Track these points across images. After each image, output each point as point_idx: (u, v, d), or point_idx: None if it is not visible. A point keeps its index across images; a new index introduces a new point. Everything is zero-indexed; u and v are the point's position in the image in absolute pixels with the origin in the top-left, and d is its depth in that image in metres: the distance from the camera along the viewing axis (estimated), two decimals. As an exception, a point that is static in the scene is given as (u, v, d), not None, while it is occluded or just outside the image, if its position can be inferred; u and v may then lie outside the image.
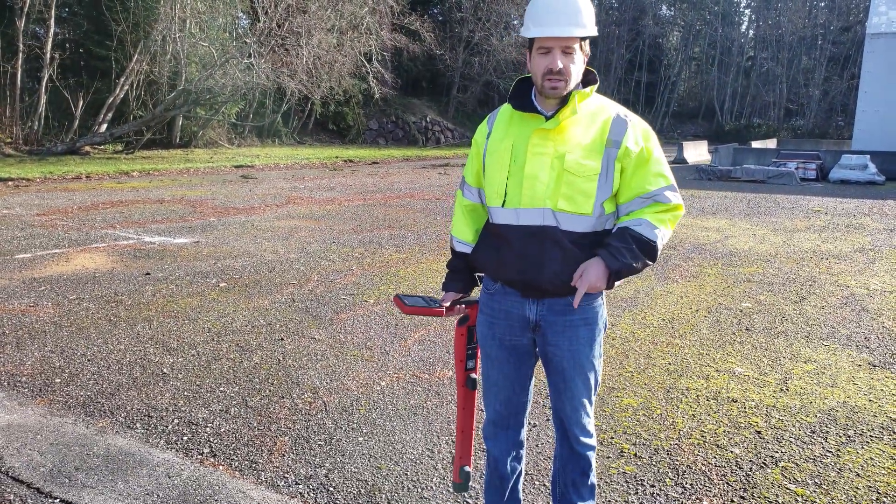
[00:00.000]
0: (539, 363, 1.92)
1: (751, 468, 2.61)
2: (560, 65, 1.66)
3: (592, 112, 1.74)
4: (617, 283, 1.75)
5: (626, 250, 1.69)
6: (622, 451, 2.72)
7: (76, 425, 2.88)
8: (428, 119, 33.95)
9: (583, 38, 1.69)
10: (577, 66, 1.70)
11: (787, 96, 50.04)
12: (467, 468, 2.07)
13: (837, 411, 3.14)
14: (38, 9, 18.18)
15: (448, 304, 1.94)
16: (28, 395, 3.18)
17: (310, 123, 28.65)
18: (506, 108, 1.85)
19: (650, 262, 1.74)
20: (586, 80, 1.78)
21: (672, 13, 56.26)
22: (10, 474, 2.47)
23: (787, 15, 50.04)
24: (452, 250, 2.01)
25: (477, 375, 2.01)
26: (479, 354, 1.99)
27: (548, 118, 1.72)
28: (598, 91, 1.81)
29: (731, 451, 2.73)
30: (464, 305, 1.98)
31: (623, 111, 1.77)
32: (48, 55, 18.35)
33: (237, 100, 22.53)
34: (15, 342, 3.91)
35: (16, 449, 2.65)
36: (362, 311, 4.68)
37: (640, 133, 1.73)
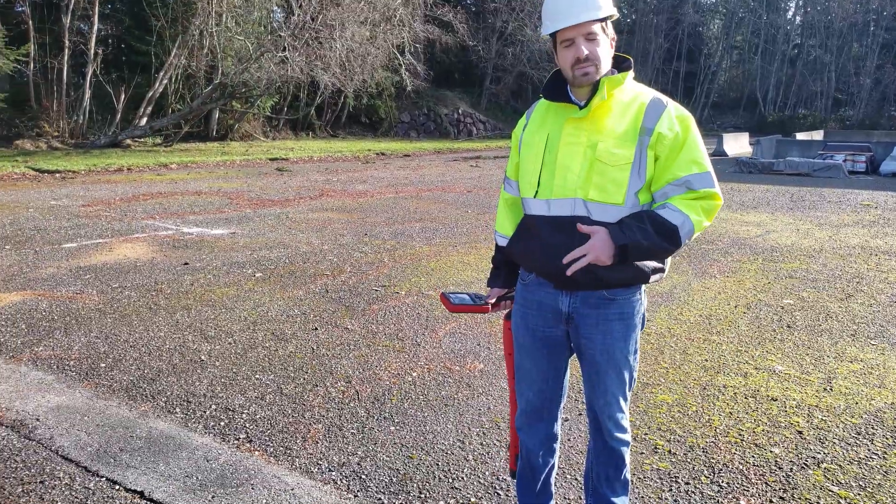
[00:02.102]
0: (574, 356, 1.90)
1: (791, 468, 2.53)
2: (586, 51, 1.65)
3: (628, 100, 1.70)
4: (638, 263, 1.68)
5: (636, 227, 1.62)
6: (656, 448, 2.67)
7: (120, 408, 2.98)
8: (460, 111, 33.83)
9: (603, 20, 1.66)
10: (604, 49, 1.67)
11: (835, 86, 48.06)
12: None
13: (885, 413, 3.02)
14: (83, 6, 18.78)
15: (493, 301, 1.93)
16: (76, 378, 3.31)
17: (343, 116, 28.90)
18: (543, 101, 1.84)
19: (669, 247, 1.64)
20: (621, 68, 1.74)
21: (713, 0, 54.59)
22: (59, 453, 2.58)
23: (837, 0, 47.97)
24: (496, 245, 2.03)
25: None
26: None
27: (581, 107, 1.70)
28: (635, 81, 1.77)
29: (771, 451, 2.66)
30: (509, 301, 1.97)
31: (660, 97, 1.71)
32: (92, 51, 18.97)
33: (272, 93, 22.87)
34: (63, 328, 4.07)
35: (65, 429, 2.76)
36: (394, 303, 4.71)
37: (675, 118, 1.68)
